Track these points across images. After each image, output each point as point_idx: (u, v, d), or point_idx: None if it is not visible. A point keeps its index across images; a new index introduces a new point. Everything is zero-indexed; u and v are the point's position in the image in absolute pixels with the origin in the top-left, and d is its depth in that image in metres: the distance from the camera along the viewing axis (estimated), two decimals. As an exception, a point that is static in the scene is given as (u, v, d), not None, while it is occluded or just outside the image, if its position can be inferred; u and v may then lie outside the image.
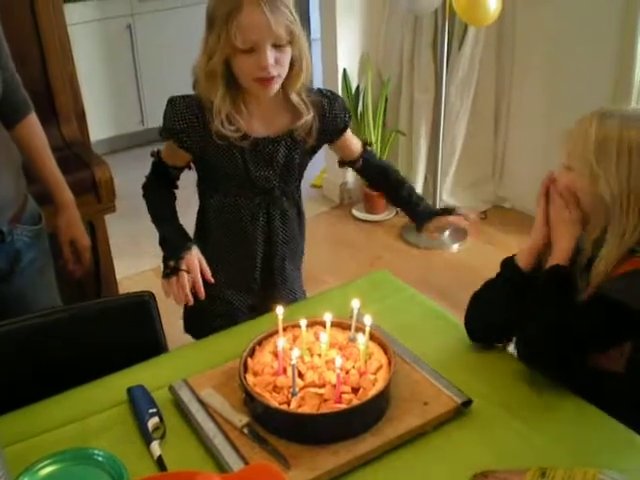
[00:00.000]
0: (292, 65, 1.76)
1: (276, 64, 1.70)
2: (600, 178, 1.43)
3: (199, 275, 1.72)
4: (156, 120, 5.27)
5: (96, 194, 2.63)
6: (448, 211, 1.94)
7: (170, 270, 1.72)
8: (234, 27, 1.64)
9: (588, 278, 1.49)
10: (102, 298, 2.35)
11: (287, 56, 1.73)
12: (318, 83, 5.32)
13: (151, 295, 1.75)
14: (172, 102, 1.82)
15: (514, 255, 1.62)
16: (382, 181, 2.10)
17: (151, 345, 1.73)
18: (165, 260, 1.77)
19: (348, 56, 4.08)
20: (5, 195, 1.75)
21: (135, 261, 3.70)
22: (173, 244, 1.80)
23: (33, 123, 1.96)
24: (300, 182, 1.99)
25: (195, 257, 1.75)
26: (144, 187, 1.95)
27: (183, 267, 1.71)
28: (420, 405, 1.42)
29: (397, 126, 4.15)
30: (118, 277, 2.99)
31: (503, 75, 4.01)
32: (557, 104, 3.66)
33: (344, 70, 4.06)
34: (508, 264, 1.62)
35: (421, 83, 3.98)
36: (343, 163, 2.07)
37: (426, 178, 4.18)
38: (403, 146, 4.19)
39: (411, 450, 1.37)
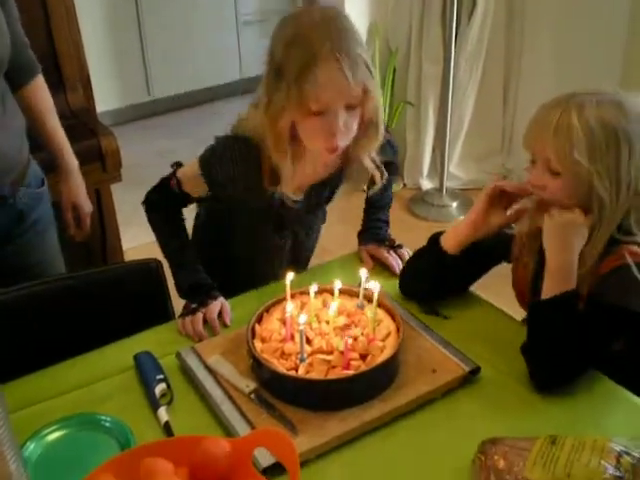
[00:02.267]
0: (363, 125, 1.56)
1: (345, 128, 1.50)
2: (594, 176, 1.37)
3: (215, 317, 1.62)
4: (162, 90, 5.25)
5: (102, 163, 2.62)
6: (394, 245, 1.87)
7: (188, 311, 1.65)
8: (308, 86, 1.42)
9: None
10: (110, 265, 2.35)
11: (357, 120, 1.52)
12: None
13: (158, 262, 1.74)
14: (225, 155, 1.63)
15: (442, 233, 1.65)
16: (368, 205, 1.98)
17: (158, 312, 1.72)
18: (188, 303, 1.69)
19: (356, 25, 4.01)
20: (8, 158, 1.74)
21: (141, 232, 3.66)
22: (197, 289, 1.68)
23: (40, 86, 1.95)
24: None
25: (218, 304, 1.65)
26: (149, 206, 1.80)
27: (202, 310, 1.63)
28: (428, 372, 1.41)
29: (405, 97, 4.12)
30: (124, 247, 2.98)
31: (512, 47, 3.97)
32: (567, 76, 3.62)
33: (352, 40, 4.02)
34: (433, 242, 1.65)
35: (430, 55, 3.94)
36: None
37: (434, 150, 4.16)
38: (411, 117, 4.16)
39: (419, 417, 1.36)
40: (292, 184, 1.63)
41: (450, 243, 1.62)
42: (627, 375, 1.44)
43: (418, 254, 1.71)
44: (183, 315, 1.65)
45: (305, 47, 1.42)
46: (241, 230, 1.85)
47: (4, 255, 1.84)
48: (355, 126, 1.53)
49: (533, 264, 1.57)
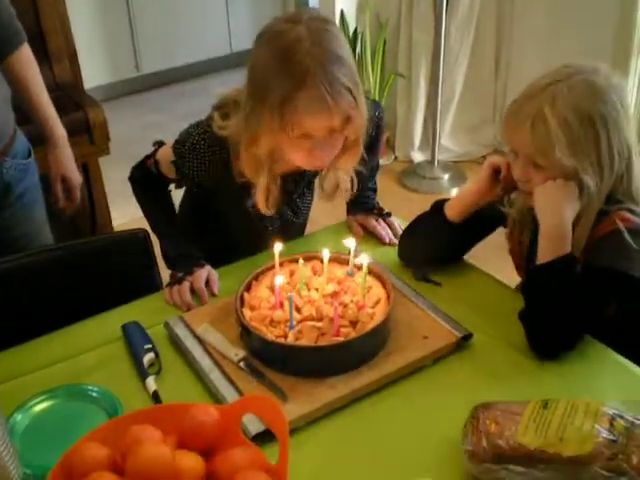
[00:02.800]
0: (346, 143, 1.54)
1: (327, 150, 1.51)
2: (578, 167, 1.36)
3: (203, 286, 1.61)
4: (151, 66, 5.21)
5: (89, 136, 2.60)
6: (382, 214, 1.85)
7: (175, 280, 1.62)
8: (289, 115, 1.40)
9: None
10: (98, 236, 2.33)
11: (341, 142, 1.52)
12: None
13: (145, 232, 1.73)
14: (195, 149, 1.60)
15: (445, 200, 1.64)
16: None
17: (146, 282, 1.70)
18: (174, 272, 1.66)
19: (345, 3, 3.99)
20: None
21: (130, 207, 3.63)
22: (184, 259, 1.66)
23: (26, 55, 1.92)
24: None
25: (205, 272, 1.63)
26: (134, 182, 1.79)
27: (189, 279, 1.61)
28: (419, 339, 1.40)
29: (396, 69, 4.08)
30: (114, 224, 2.97)
31: (504, 16, 3.94)
32: (559, 46, 3.58)
33: (341, 12, 3.98)
34: (437, 209, 1.64)
35: (420, 24, 3.90)
36: None
37: (425, 121, 4.13)
38: (402, 88, 4.13)
39: (410, 383, 1.35)
40: (264, 196, 1.58)
41: (454, 211, 1.61)
42: (619, 339, 1.44)
43: (420, 220, 1.69)
44: (170, 284, 1.63)
45: (289, 75, 1.38)
46: (224, 215, 1.80)
47: None
48: (339, 146, 1.52)
49: (527, 241, 1.57)
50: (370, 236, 1.81)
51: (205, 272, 1.63)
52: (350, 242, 1.51)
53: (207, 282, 1.63)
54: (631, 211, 1.42)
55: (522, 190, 1.49)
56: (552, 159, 1.37)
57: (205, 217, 1.85)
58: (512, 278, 1.67)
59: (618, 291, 1.39)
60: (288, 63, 1.38)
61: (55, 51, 2.74)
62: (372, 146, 1.71)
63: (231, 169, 1.59)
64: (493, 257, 1.78)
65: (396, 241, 1.77)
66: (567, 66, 1.42)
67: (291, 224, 1.84)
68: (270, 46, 1.43)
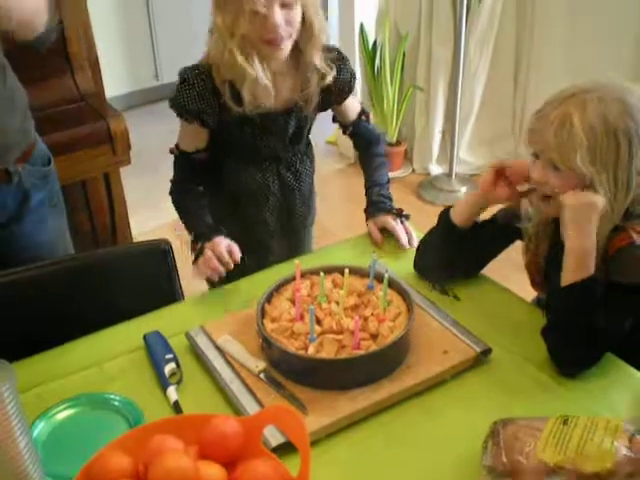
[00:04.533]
0: (305, 26, 1.71)
1: (286, 25, 1.65)
2: (594, 176, 1.36)
3: (224, 251, 1.67)
4: (171, 75, 5.23)
5: (111, 146, 2.62)
6: (400, 214, 1.88)
7: (197, 252, 1.69)
8: None
9: None
10: (120, 245, 2.34)
11: (297, 16, 1.67)
12: (334, 37, 5.26)
13: (168, 243, 1.74)
14: (186, 80, 1.77)
15: (450, 207, 1.65)
16: (363, 156, 2.06)
17: (168, 292, 1.72)
18: (194, 245, 1.74)
19: (365, 10, 4.01)
20: (11, 133, 1.73)
21: (150, 216, 3.68)
22: (205, 232, 1.74)
23: None
24: (312, 156, 2.01)
25: (223, 240, 1.70)
26: (172, 193, 1.91)
27: (208, 246, 1.68)
28: (439, 353, 1.41)
29: (415, 81, 4.09)
30: (133, 232, 2.98)
31: (523, 30, 3.93)
32: (578, 59, 3.58)
33: (361, 25, 3.99)
34: (443, 216, 1.66)
35: (440, 38, 3.91)
36: (335, 120, 2.03)
37: (443, 134, 4.13)
38: (421, 101, 4.13)
39: (430, 398, 1.35)
40: (261, 86, 1.72)
41: (459, 216, 1.62)
42: (636, 353, 1.44)
43: (431, 232, 1.70)
44: (195, 261, 1.68)
45: None
46: (229, 178, 1.92)
47: (12, 235, 1.83)
48: (297, 23, 1.67)
49: (545, 252, 1.57)
50: (392, 249, 1.81)
51: (223, 239, 1.70)
52: (373, 256, 1.52)
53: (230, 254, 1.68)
54: None
55: (539, 196, 1.49)
56: (571, 163, 1.36)
57: (215, 195, 1.95)
58: (529, 291, 1.68)
59: (637, 305, 1.39)
60: None
61: (77, 59, 2.76)
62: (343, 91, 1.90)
63: (220, 95, 1.75)
64: (510, 272, 1.78)
65: (414, 245, 1.80)
66: (598, 81, 1.42)
67: (292, 191, 1.94)
68: None
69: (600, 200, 1.38)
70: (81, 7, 2.72)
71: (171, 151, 1.90)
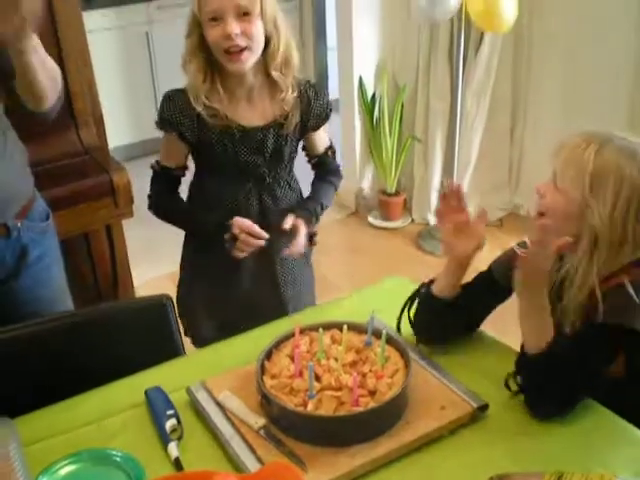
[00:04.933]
0: (268, 42, 1.84)
1: (243, 35, 1.78)
2: (591, 208, 1.41)
3: (252, 226, 1.91)
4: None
5: (114, 199, 2.65)
6: (312, 235, 2.03)
7: (231, 242, 1.90)
8: (200, 4, 1.78)
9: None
10: (121, 300, 2.36)
11: (256, 29, 1.79)
12: (334, 90, 5.35)
13: (169, 298, 1.76)
14: (169, 96, 1.93)
15: (431, 282, 1.66)
16: (316, 179, 2.17)
17: (169, 347, 1.74)
18: (213, 236, 1.93)
19: (364, 63, 4.09)
20: (11, 189, 1.77)
21: (152, 267, 3.71)
22: (219, 219, 1.93)
23: None
24: (292, 169, 2.08)
25: (238, 219, 1.91)
26: (151, 202, 2.05)
27: (236, 231, 1.89)
28: (437, 409, 1.43)
29: (413, 133, 4.15)
30: (135, 283, 3.01)
31: (519, 82, 4.01)
32: (574, 111, 3.65)
33: (360, 77, 4.08)
34: (426, 293, 1.65)
35: (437, 90, 3.98)
36: (304, 148, 2.13)
37: (442, 184, 4.18)
38: (419, 152, 4.19)
39: (428, 454, 1.37)
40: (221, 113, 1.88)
41: (442, 290, 1.62)
42: (628, 401, 1.46)
43: (418, 308, 1.68)
44: (231, 247, 1.90)
45: None
46: (210, 197, 2.02)
47: (12, 290, 1.86)
48: (257, 36, 1.80)
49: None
50: (389, 305, 1.84)
51: (239, 220, 1.91)
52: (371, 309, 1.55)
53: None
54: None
55: (534, 215, 1.54)
56: (569, 181, 1.43)
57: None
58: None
59: (623, 347, 1.42)
60: None
61: (82, 115, 2.80)
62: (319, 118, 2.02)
63: (191, 104, 1.87)
64: (508, 322, 1.80)
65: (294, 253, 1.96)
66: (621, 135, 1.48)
67: (270, 216, 2.01)
68: None
69: (548, 264, 1.42)
70: (86, 64, 2.77)
71: (152, 166, 2.02)
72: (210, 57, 1.85)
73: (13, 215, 1.79)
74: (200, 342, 2.15)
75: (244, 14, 1.77)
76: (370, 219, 4.30)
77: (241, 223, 1.90)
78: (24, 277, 1.87)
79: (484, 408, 1.44)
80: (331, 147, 2.15)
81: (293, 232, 1.94)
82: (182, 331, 1.87)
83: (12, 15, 1.47)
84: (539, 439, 1.39)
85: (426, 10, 3.41)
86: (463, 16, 3.49)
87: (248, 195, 1.99)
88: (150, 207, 2.06)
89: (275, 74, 1.89)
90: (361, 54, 4.07)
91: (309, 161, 2.15)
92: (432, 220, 4.22)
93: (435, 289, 1.63)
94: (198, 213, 2.02)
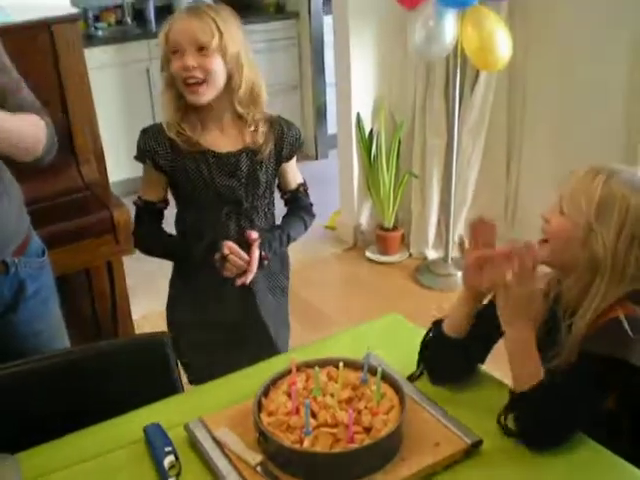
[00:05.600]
0: (231, 78, 1.94)
1: (200, 68, 1.88)
2: (595, 235, 1.45)
3: (241, 251, 1.97)
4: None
5: (114, 235, 2.68)
6: (263, 259, 2.04)
7: (220, 260, 1.95)
8: (164, 40, 1.91)
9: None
10: (120, 338, 2.38)
11: (213, 64, 1.89)
12: (332, 126, 5.42)
13: (167, 335, 1.78)
14: (144, 130, 2.03)
15: (441, 321, 1.68)
16: (288, 213, 2.21)
17: (167, 384, 1.75)
18: (202, 258, 1.99)
19: (362, 100, 4.15)
20: (9, 229, 1.80)
21: (151, 301, 3.72)
22: (209, 243, 1.99)
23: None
24: (271, 200, 2.13)
25: (227, 242, 1.97)
26: (137, 239, 2.13)
27: (226, 251, 1.95)
28: (431, 445, 1.44)
29: (410, 168, 4.20)
30: (134, 317, 3.03)
31: (514, 119, 4.06)
32: (568, 148, 3.69)
33: (358, 114, 4.13)
34: (437, 332, 1.67)
35: (433, 127, 4.04)
36: (277, 185, 2.19)
37: (439, 220, 4.22)
38: (416, 188, 4.24)
39: (422, 490, 1.38)
40: (198, 130, 1.98)
41: (455, 329, 1.64)
42: (621, 437, 1.49)
43: (431, 347, 1.69)
44: (222, 267, 1.96)
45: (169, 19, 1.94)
46: (192, 226, 2.09)
47: (10, 324, 1.89)
48: (215, 71, 1.90)
49: (537, 326, 1.60)
50: (385, 342, 1.86)
51: (229, 243, 1.97)
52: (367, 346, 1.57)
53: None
54: (636, 298, 1.48)
55: (538, 240, 1.56)
56: (574, 208, 1.47)
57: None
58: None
59: (616, 381, 1.44)
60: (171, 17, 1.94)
61: (83, 152, 2.85)
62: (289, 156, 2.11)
63: (173, 140, 1.96)
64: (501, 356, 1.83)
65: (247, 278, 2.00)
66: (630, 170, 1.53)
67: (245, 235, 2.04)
68: None
69: (539, 292, 1.47)
70: (87, 102, 2.82)
71: (134, 203, 2.09)
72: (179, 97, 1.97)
73: (11, 252, 1.82)
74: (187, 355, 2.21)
75: (202, 48, 1.88)
76: (368, 253, 4.33)
77: (230, 244, 1.96)
78: (22, 310, 1.90)
79: (478, 444, 1.45)
80: (304, 184, 2.23)
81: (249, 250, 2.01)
82: (180, 368, 1.88)
83: None
84: (533, 475, 1.41)
85: (422, 48, 3.47)
86: (459, 54, 3.55)
87: (226, 220, 2.05)
88: (136, 244, 2.15)
89: (239, 109, 1.98)
90: (359, 91, 4.13)
91: (282, 197, 2.21)
92: (430, 255, 4.25)
93: (446, 326, 1.65)
94: (185, 240, 2.09)
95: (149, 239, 2.11)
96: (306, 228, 2.21)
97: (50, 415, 1.64)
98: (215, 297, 2.11)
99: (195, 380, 2.16)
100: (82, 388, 1.71)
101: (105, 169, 2.99)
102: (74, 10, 2.92)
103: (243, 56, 1.95)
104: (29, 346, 1.90)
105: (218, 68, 1.90)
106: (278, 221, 2.18)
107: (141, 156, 2.00)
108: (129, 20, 5.50)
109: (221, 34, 1.88)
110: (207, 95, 1.92)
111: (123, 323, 2.90)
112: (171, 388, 1.75)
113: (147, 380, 1.73)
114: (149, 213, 2.08)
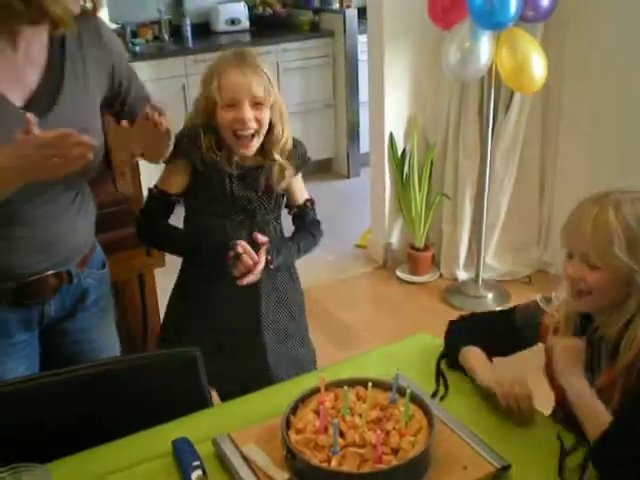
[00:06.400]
0: (272, 128, 2.03)
1: (255, 121, 1.96)
2: (634, 269, 1.44)
3: (252, 252, 2.03)
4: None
5: (146, 248, 2.70)
6: (270, 262, 2.07)
7: (233, 259, 2.00)
8: (217, 89, 1.95)
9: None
10: (152, 352, 2.40)
11: (265, 116, 1.99)
12: (365, 144, 5.42)
13: (197, 351, 1.79)
14: (183, 132, 2.06)
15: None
16: (297, 228, 2.25)
17: (196, 399, 1.76)
18: (215, 254, 2.04)
19: (395, 119, 4.16)
20: (78, 243, 1.84)
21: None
22: (213, 242, 2.06)
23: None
24: (280, 214, 2.19)
25: (241, 242, 2.02)
26: (141, 223, 2.18)
27: (240, 250, 2.00)
28: (459, 468, 1.44)
29: (442, 189, 4.19)
30: (164, 330, 3.04)
31: (549, 142, 4.05)
32: (603, 171, 3.67)
33: (391, 134, 4.14)
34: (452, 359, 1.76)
35: (466, 149, 4.03)
36: (286, 205, 2.24)
37: (470, 240, 4.20)
38: (448, 208, 4.23)
39: (449, 513, 1.38)
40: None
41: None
42: None
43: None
44: (234, 266, 2.01)
45: (215, 65, 2.00)
46: (201, 229, 2.13)
47: (66, 330, 1.91)
48: (265, 122, 1.99)
49: None
50: (414, 362, 1.85)
51: (241, 242, 2.03)
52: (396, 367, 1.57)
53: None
54: None
55: (572, 292, 1.56)
56: (608, 259, 1.45)
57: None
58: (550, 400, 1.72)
59: None
60: (214, 62, 2.01)
61: (118, 166, 2.87)
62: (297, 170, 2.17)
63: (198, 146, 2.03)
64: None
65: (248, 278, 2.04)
66: (628, 186, 1.52)
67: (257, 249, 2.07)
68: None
69: (581, 343, 1.51)
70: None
71: (149, 189, 2.15)
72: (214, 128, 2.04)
73: (76, 263, 1.85)
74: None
75: (258, 104, 1.96)
76: (398, 273, 4.33)
77: (244, 244, 2.02)
78: (80, 319, 1.92)
79: (507, 468, 1.44)
80: (311, 199, 2.26)
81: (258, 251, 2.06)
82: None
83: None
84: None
85: (457, 68, 3.47)
86: (493, 75, 3.54)
87: (238, 228, 2.09)
88: (139, 232, 2.20)
89: (277, 157, 2.06)
90: (392, 110, 4.14)
91: (289, 212, 2.25)
92: (460, 276, 4.23)
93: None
94: (195, 234, 2.13)
95: (156, 228, 2.15)
96: (315, 243, 2.24)
97: (80, 426, 1.66)
98: (217, 299, 2.15)
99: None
100: (112, 400, 1.71)
101: (140, 183, 3.01)
102: (113, 26, 2.96)
103: (284, 107, 2.05)
104: (81, 353, 1.94)
105: (267, 120, 2.00)
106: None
107: (176, 152, 2.01)
108: (166, 36, 5.57)
109: (272, 87, 1.98)
110: (255, 147, 2.03)
111: (153, 336, 2.91)
112: (200, 402, 1.76)
113: (177, 394, 1.75)
114: (161, 203, 2.13)
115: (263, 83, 1.96)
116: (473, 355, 1.71)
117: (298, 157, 2.15)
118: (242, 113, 1.95)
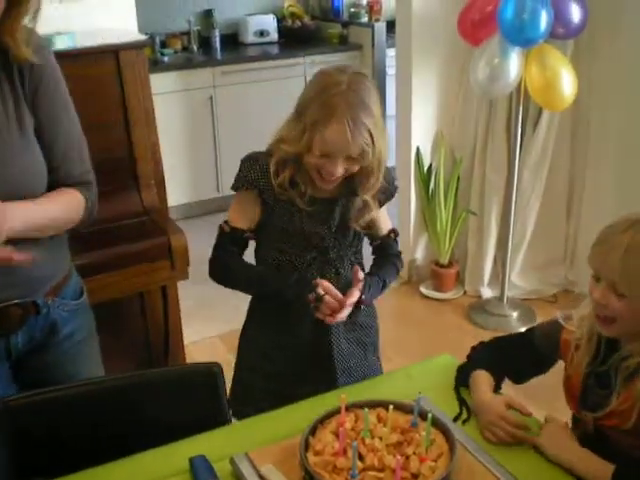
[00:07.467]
0: (366, 174, 1.87)
1: (344, 171, 1.82)
2: None
3: (337, 292, 1.88)
4: (232, 188, 5.18)
5: (171, 261, 2.70)
6: (362, 302, 1.93)
7: (316, 301, 1.86)
8: (317, 138, 1.77)
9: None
10: (172, 366, 2.38)
11: (355, 167, 1.84)
12: (391, 159, 5.39)
13: (218, 366, 1.78)
14: (251, 157, 1.94)
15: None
16: (378, 257, 2.11)
17: (215, 415, 1.75)
18: (299, 295, 1.89)
19: (422, 134, 4.13)
20: (45, 270, 1.71)
21: (202, 327, 3.75)
22: (295, 282, 1.91)
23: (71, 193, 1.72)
24: (359, 250, 2.05)
25: (322, 280, 1.89)
26: (214, 266, 1.98)
27: (321, 292, 1.86)
28: (480, 496, 1.41)
29: (468, 205, 4.16)
30: (185, 342, 3.04)
31: (576, 159, 4.01)
32: (631, 190, 3.63)
33: (417, 148, 4.11)
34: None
35: (494, 165, 4.00)
36: (367, 234, 2.08)
37: (495, 259, 4.16)
38: (473, 226, 4.20)
39: (469, 542, 1.35)
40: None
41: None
42: None
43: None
44: (316, 308, 1.87)
45: (323, 106, 1.77)
46: (270, 265, 1.99)
47: (43, 365, 1.80)
48: (351, 171, 1.84)
49: (585, 365, 1.59)
50: (436, 384, 1.83)
51: (323, 282, 1.88)
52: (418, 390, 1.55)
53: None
54: None
55: (595, 314, 1.52)
56: (637, 289, 1.42)
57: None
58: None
59: None
60: (325, 96, 1.77)
61: (144, 177, 2.88)
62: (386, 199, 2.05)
63: (269, 177, 1.89)
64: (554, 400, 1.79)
65: (336, 318, 1.88)
66: None
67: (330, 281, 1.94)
68: (315, 82, 1.86)
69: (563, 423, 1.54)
70: (151, 130, 2.86)
71: (221, 227, 1.98)
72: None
73: (43, 294, 1.72)
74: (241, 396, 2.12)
75: (352, 158, 1.81)
76: (422, 289, 4.29)
77: (327, 284, 1.88)
78: (52, 353, 1.79)
79: (528, 497, 1.42)
80: (394, 230, 2.12)
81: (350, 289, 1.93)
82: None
83: None
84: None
85: (485, 84, 3.44)
86: (522, 91, 3.51)
87: (309, 266, 1.96)
88: (212, 271, 2.00)
89: (365, 197, 1.93)
90: (419, 125, 4.12)
91: (371, 243, 2.11)
92: (485, 293, 4.19)
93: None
94: (274, 274, 1.97)
95: (231, 267, 1.98)
96: (396, 278, 2.12)
97: (96, 441, 1.65)
98: (288, 330, 2.03)
99: (239, 411, 2.05)
100: (131, 414, 1.71)
101: (165, 194, 3.02)
102: (142, 36, 2.98)
103: (384, 154, 1.87)
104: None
105: (357, 168, 1.85)
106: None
107: (245, 184, 1.92)
108: (195, 47, 5.59)
109: (373, 144, 1.79)
110: (336, 183, 1.88)
111: (175, 349, 2.91)
112: (219, 419, 1.75)
113: (196, 410, 1.74)
114: (234, 241, 1.97)
115: (363, 141, 1.76)
116: (478, 379, 1.70)
117: (383, 191, 1.99)
118: (332, 167, 1.80)
